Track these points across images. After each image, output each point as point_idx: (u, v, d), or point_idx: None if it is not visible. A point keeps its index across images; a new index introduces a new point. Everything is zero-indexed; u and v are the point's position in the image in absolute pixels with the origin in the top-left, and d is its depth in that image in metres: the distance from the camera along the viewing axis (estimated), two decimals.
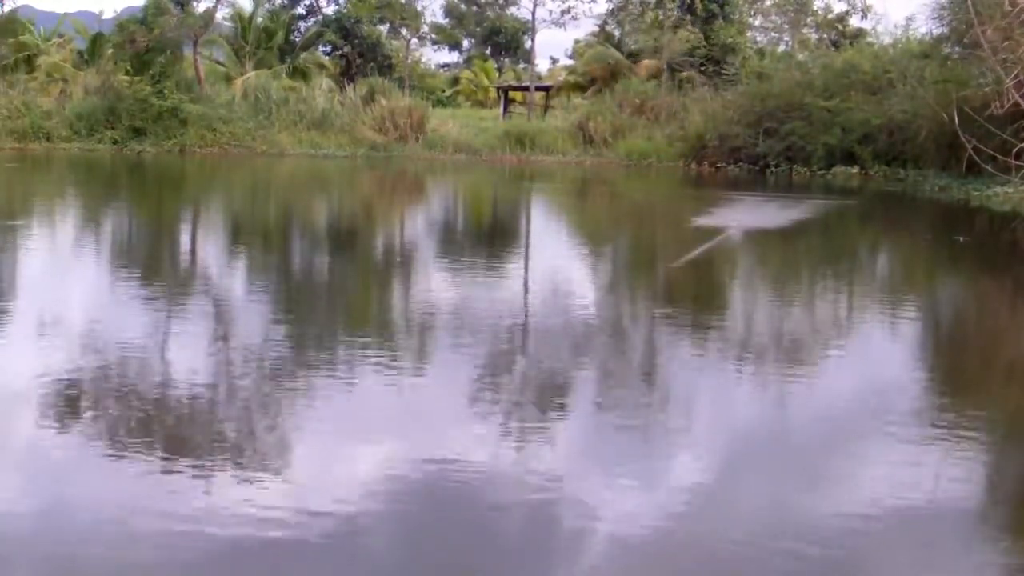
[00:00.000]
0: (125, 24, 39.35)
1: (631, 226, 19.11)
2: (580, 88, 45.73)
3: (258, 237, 16.19)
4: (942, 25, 29.85)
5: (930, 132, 26.84)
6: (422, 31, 51.67)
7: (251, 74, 40.05)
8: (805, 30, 44.59)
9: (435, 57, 69.66)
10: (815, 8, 44.60)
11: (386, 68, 46.66)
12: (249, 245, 15.11)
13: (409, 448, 5.44)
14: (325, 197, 24.51)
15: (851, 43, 41.16)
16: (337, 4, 48.31)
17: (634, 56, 43.30)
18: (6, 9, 42.60)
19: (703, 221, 17.13)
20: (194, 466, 5.06)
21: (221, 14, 41.44)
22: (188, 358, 7.31)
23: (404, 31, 48.21)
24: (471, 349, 7.88)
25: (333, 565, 4.05)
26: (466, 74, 62.11)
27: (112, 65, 38.70)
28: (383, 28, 48.60)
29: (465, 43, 69.11)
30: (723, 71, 37.80)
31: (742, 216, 18.32)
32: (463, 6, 66.84)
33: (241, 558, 4.11)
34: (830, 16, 44.92)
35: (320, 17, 48.43)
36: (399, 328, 8.84)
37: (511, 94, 51.81)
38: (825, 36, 44.79)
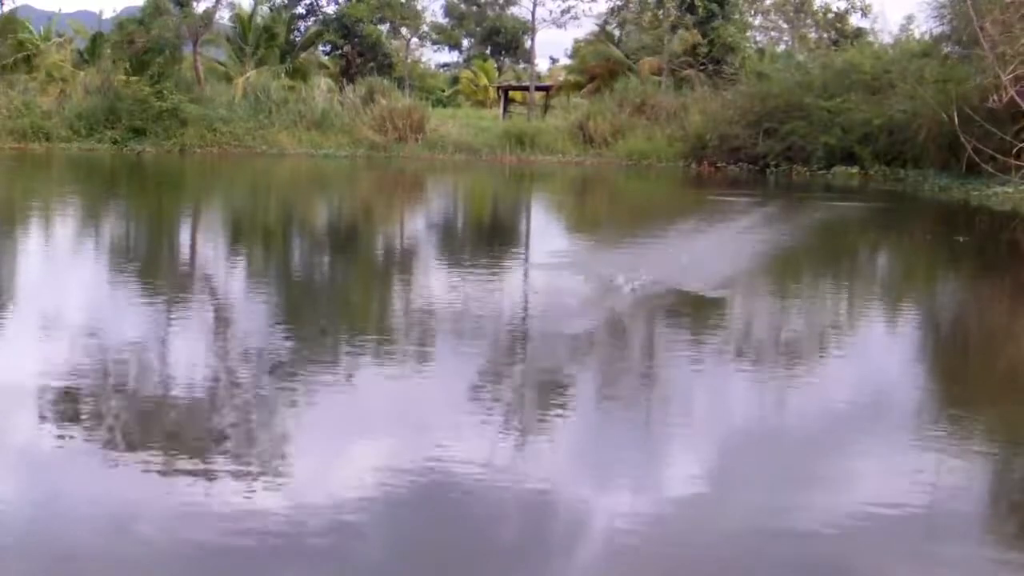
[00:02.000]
0: (124, 24, 39.30)
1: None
2: (580, 87, 45.68)
3: (258, 236, 16.18)
4: (942, 24, 29.88)
5: (930, 132, 26.83)
6: (422, 31, 51.66)
7: (251, 74, 40.01)
8: (804, 29, 44.56)
9: (435, 57, 69.65)
10: (815, 8, 44.59)
11: (386, 68, 46.59)
12: (249, 244, 15.10)
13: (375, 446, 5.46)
14: (325, 197, 24.50)
15: (851, 42, 41.14)
16: (337, 4, 48.27)
17: (634, 56, 43.26)
18: (5, 9, 42.58)
19: (614, 266, 11.19)
20: (193, 464, 5.04)
21: (221, 14, 41.45)
22: (187, 356, 7.30)
23: (404, 31, 48.18)
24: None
25: (332, 564, 4.05)
26: (466, 74, 62.01)
27: (111, 65, 38.67)
28: (383, 28, 48.52)
29: (465, 43, 69.01)
30: (723, 71, 37.79)
31: (688, 249, 13.49)
32: (463, 6, 66.75)
33: (240, 558, 4.11)
34: (830, 15, 44.89)
35: (320, 16, 48.36)
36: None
37: (511, 94, 51.73)
38: (825, 36, 44.75)
